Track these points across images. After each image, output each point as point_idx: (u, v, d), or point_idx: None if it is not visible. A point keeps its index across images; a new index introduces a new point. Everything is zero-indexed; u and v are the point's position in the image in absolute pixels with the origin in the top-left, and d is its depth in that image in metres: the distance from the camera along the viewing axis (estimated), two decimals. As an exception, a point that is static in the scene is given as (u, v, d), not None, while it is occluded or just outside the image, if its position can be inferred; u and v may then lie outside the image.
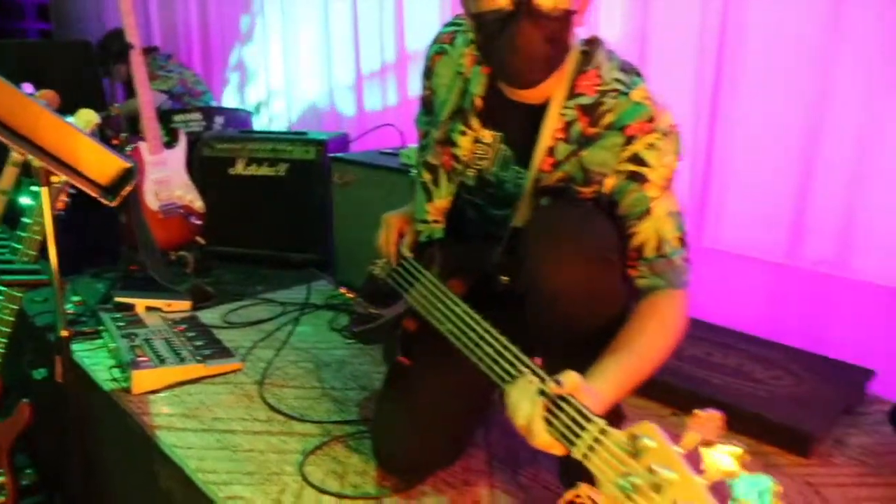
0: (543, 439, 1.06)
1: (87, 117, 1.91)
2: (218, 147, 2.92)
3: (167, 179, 2.71)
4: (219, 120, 3.48)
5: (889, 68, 1.83)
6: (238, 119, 3.68)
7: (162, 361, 1.93)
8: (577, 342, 1.25)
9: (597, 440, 0.98)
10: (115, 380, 1.93)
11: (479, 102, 1.45)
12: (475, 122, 1.46)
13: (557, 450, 1.07)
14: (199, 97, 3.88)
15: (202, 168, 2.89)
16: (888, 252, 1.92)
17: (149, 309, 2.34)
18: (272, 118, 4.01)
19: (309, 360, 2.10)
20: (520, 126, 1.40)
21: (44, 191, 1.41)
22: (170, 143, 2.75)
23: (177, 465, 1.60)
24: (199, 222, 2.77)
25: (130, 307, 2.32)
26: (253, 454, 1.62)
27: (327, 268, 2.78)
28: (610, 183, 1.32)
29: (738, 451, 0.83)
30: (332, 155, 2.69)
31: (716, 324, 2.14)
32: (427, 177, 1.56)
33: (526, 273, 1.30)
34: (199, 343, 2.09)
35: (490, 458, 1.62)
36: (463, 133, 1.47)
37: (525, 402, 1.08)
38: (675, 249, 1.31)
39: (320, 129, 3.57)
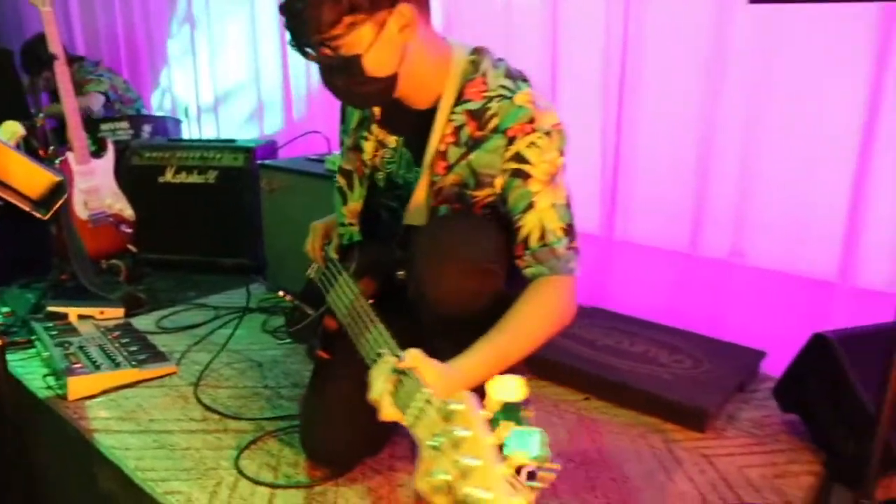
0: (388, 412, 1.17)
1: (11, 129, 1.95)
2: (147, 156, 2.96)
3: (96, 189, 2.73)
4: (146, 128, 3.49)
5: (767, 75, 2.03)
6: (166, 127, 3.70)
7: (97, 367, 1.98)
8: (460, 339, 1.33)
9: (422, 409, 1.08)
10: (49, 388, 1.97)
11: (376, 110, 1.57)
12: (375, 128, 1.58)
13: (404, 421, 1.15)
14: (130, 104, 3.87)
15: (131, 177, 2.92)
16: (779, 239, 2.12)
17: (82, 317, 2.37)
18: (201, 126, 4.03)
19: (242, 360, 2.18)
20: (414, 130, 1.50)
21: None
22: (97, 153, 2.77)
23: (115, 466, 1.66)
24: (129, 230, 2.81)
25: (63, 316, 2.35)
26: (189, 451, 1.70)
27: (259, 272, 2.86)
28: (499, 182, 1.42)
29: (520, 378, 0.92)
30: (260, 162, 2.76)
31: (625, 314, 2.31)
32: (342, 181, 1.67)
33: (412, 280, 1.42)
34: (133, 348, 2.14)
35: (413, 446, 1.73)
36: (366, 139, 1.59)
37: (379, 380, 1.19)
38: (559, 239, 1.39)
39: (248, 136, 3.62)
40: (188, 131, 3.96)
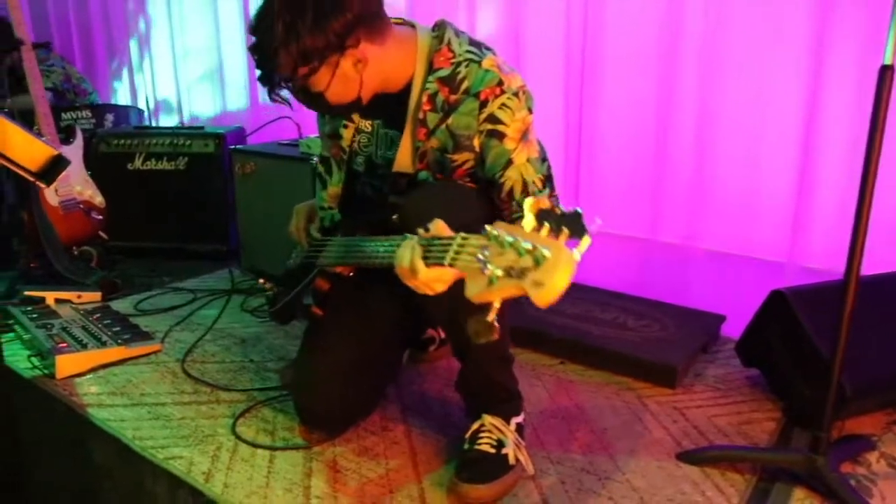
0: (424, 273, 1.16)
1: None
2: (114, 143, 2.96)
3: (66, 176, 2.71)
4: (109, 117, 3.48)
5: (719, 64, 2.16)
6: (128, 116, 3.68)
7: (83, 346, 2.00)
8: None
9: (459, 247, 1.07)
10: (35, 367, 1.99)
11: None
12: (355, 116, 1.66)
13: (438, 282, 1.17)
14: (85, 97, 3.83)
15: (99, 164, 2.91)
16: (731, 223, 2.27)
17: (59, 301, 2.38)
18: (164, 114, 4.01)
19: (225, 337, 2.23)
20: (392, 111, 1.59)
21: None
22: (66, 140, 2.76)
23: (113, 437, 1.70)
24: (100, 217, 2.81)
25: (40, 300, 2.36)
26: (185, 421, 1.75)
27: (232, 256, 2.89)
28: (476, 142, 1.52)
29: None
30: (233, 147, 2.80)
31: (595, 286, 2.43)
32: (322, 168, 1.78)
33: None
34: (116, 329, 2.16)
35: (403, 408, 1.81)
36: (345, 126, 1.67)
37: (405, 251, 1.19)
38: (540, 190, 1.52)
39: (214, 123, 3.63)
40: (150, 120, 3.94)
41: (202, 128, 3.11)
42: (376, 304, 1.70)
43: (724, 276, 2.33)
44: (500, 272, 0.94)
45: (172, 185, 2.93)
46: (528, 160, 1.51)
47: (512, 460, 1.50)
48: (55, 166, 1.45)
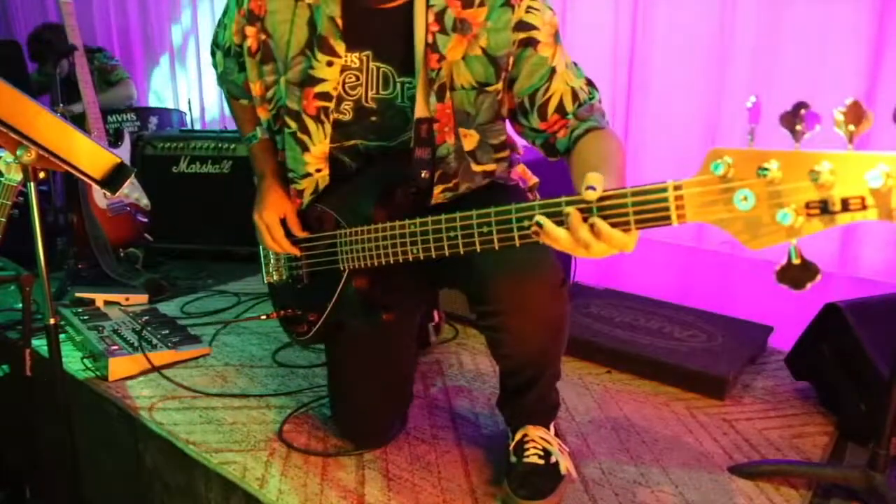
0: (614, 237, 0.96)
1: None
2: (160, 146, 3.00)
3: (113, 178, 2.77)
4: (153, 120, 3.53)
5: (770, 66, 2.14)
6: (171, 119, 3.73)
7: (135, 349, 2.04)
8: None
9: (677, 197, 0.91)
10: (88, 369, 2.02)
11: (340, 23, 1.37)
12: (339, 47, 1.38)
13: (626, 245, 0.98)
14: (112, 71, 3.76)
15: (145, 167, 2.96)
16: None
17: (108, 303, 2.42)
18: (206, 118, 4.07)
19: (271, 342, 2.25)
20: (390, 35, 1.37)
21: (31, 186, 1.52)
22: (115, 143, 2.81)
23: (166, 441, 1.73)
24: (145, 220, 2.85)
25: (90, 302, 2.40)
26: (236, 426, 1.77)
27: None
28: (511, 61, 1.35)
29: None
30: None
31: (640, 294, 2.42)
32: (293, 125, 1.47)
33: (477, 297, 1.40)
34: (165, 331, 2.19)
35: (453, 416, 1.82)
36: (330, 64, 1.39)
37: (561, 232, 1.00)
38: (590, 95, 1.37)
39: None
40: (192, 123, 3.99)
41: (245, 131, 3.13)
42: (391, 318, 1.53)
43: (769, 286, 2.31)
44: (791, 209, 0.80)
45: (216, 187, 2.97)
46: (567, 65, 1.37)
47: (563, 470, 1.50)
48: (119, 174, 1.47)
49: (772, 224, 0.84)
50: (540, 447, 1.51)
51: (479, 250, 1.13)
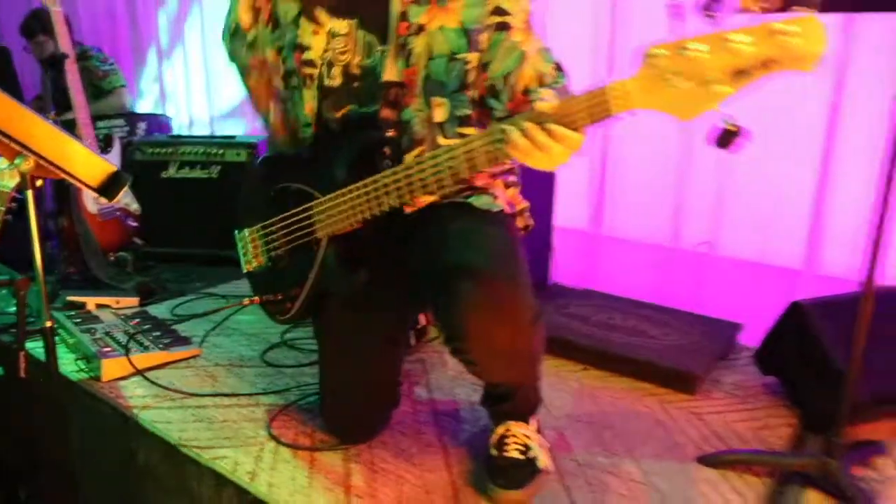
0: (567, 136, 1.18)
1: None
2: (149, 151, 3.06)
3: (103, 184, 2.82)
4: (141, 125, 3.58)
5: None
6: (159, 124, 3.78)
7: (127, 350, 2.10)
8: None
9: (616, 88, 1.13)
10: (81, 370, 2.08)
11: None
12: (323, 16, 1.49)
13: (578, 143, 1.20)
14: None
15: (135, 172, 3.01)
16: (751, 231, 2.34)
17: (99, 306, 2.48)
18: (192, 123, 4.12)
19: (260, 343, 2.31)
20: (373, 6, 1.46)
21: (29, 194, 1.58)
22: (105, 149, 2.87)
23: (160, 438, 1.79)
24: (135, 224, 2.91)
25: (81, 305, 2.46)
26: (227, 423, 1.83)
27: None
28: (484, 39, 1.44)
29: None
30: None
31: (617, 294, 2.51)
32: (294, 81, 1.58)
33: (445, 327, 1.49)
34: (156, 333, 2.25)
35: (435, 412, 1.90)
36: (315, 33, 1.50)
37: (522, 140, 1.20)
38: (554, 80, 1.47)
39: (241, 133, 3.74)
40: (179, 129, 4.05)
41: (234, 137, 3.21)
42: (375, 313, 1.65)
43: (740, 284, 2.41)
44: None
45: (205, 192, 3.03)
46: (538, 51, 1.46)
47: (541, 465, 1.58)
48: (115, 182, 1.53)
49: (703, 94, 1.07)
50: (521, 443, 1.58)
51: (448, 181, 1.31)
